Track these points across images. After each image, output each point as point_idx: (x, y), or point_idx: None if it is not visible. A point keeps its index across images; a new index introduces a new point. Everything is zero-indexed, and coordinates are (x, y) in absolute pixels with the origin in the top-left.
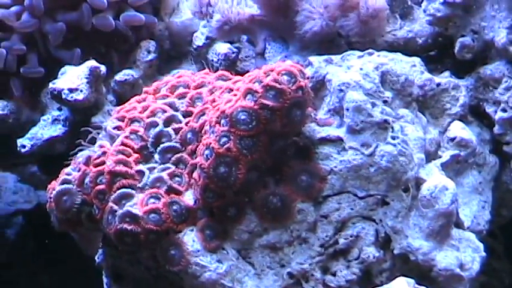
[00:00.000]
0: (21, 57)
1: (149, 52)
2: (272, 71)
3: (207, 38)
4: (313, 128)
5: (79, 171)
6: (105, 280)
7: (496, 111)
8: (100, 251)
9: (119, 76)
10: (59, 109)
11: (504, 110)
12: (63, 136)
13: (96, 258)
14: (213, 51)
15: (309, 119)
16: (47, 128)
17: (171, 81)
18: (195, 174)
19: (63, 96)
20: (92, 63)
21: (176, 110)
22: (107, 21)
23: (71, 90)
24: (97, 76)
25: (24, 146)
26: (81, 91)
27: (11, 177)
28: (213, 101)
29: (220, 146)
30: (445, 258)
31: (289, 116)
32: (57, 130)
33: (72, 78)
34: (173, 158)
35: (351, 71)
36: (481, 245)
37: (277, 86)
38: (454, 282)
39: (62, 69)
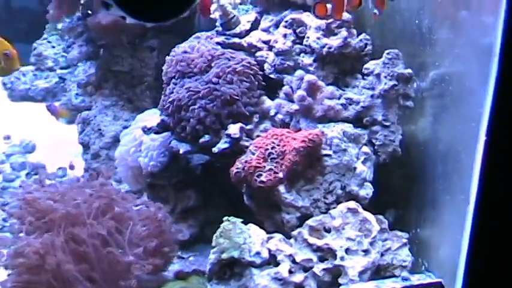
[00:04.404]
0: None
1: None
2: (311, 134)
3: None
4: (322, 151)
5: (243, 164)
6: (245, 198)
7: None
8: (244, 189)
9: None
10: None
11: None
12: (229, 148)
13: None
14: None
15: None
16: (222, 144)
17: (271, 133)
18: (283, 167)
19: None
20: None
21: (274, 143)
22: None
23: None
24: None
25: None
26: None
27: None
28: (287, 141)
29: (293, 158)
30: None
31: (316, 148)
32: (224, 144)
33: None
34: (275, 161)
35: (334, 131)
36: None
37: (313, 139)
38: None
39: None
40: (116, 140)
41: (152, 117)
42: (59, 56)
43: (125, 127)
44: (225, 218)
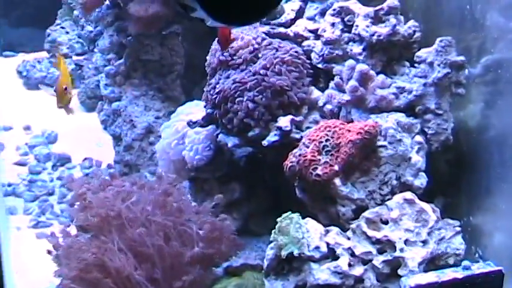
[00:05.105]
0: None
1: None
2: (367, 125)
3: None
4: (377, 142)
5: (297, 158)
6: (298, 192)
7: None
8: (297, 183)
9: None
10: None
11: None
12: (279, 141)
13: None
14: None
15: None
16: (272, 137)
17: (324, 125)
18: (338, 159)
19: None
20: None
21: (328, 135)
22: None
23: None
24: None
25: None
26: None
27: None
28: (342, 134)
29: (349, 150)
30: None
31: (372, 140)
32: (274, 137)
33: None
34: (329, 153)
35: (388, 122)
36: None
37: (369, 130)
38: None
39: None
40: (148, 131)
41: (194, 109)
42: (74, 42)
43: (157, 117)
44: (284, 215)
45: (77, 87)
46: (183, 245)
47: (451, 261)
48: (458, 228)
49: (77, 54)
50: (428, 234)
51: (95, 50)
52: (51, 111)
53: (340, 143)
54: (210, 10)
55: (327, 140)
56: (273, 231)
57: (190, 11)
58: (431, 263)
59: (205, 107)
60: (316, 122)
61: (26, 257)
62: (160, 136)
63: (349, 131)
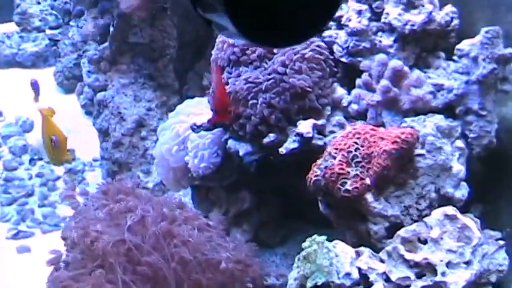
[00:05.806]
0: None
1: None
2: (404, 132)
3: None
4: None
5: (323, 171)
6: (322, 207)
7: None
8: (320, 198)
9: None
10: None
11: None
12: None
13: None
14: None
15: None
16: (290, 144)
17: (352, 131)
18: (370, 172)
19: None
20: None
21: (357, 144)
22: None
23: None
24: None
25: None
26: None
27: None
28: (374, 142)
29: (383, 162)
30: None
31: (410, 149)
32: (293, 144)
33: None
34: (359, 165)
35: (427, 127)
36: None
37: (406, 139)
38: None
39: None
40: (139, 125)
41: (196, 108)
42: (47, 14)
43: (149, 109)
44: (308, 239)
45: (51, 65)
46: (202, 272)
47: (493, 278)
48: (502, 242)
49: (51, 28)
50: (472, 253)
51: (71, 23)
52: (25, 93)
53: (372, 152)
54: (244, 28)
55: (356, 150)
56: (296, 258)
57: (216, 29)
58: (473, 283)
59: (212, 108)
60: (340, 125)
61: (7, 278)
62: (153, 130)
63: (383, 138)
